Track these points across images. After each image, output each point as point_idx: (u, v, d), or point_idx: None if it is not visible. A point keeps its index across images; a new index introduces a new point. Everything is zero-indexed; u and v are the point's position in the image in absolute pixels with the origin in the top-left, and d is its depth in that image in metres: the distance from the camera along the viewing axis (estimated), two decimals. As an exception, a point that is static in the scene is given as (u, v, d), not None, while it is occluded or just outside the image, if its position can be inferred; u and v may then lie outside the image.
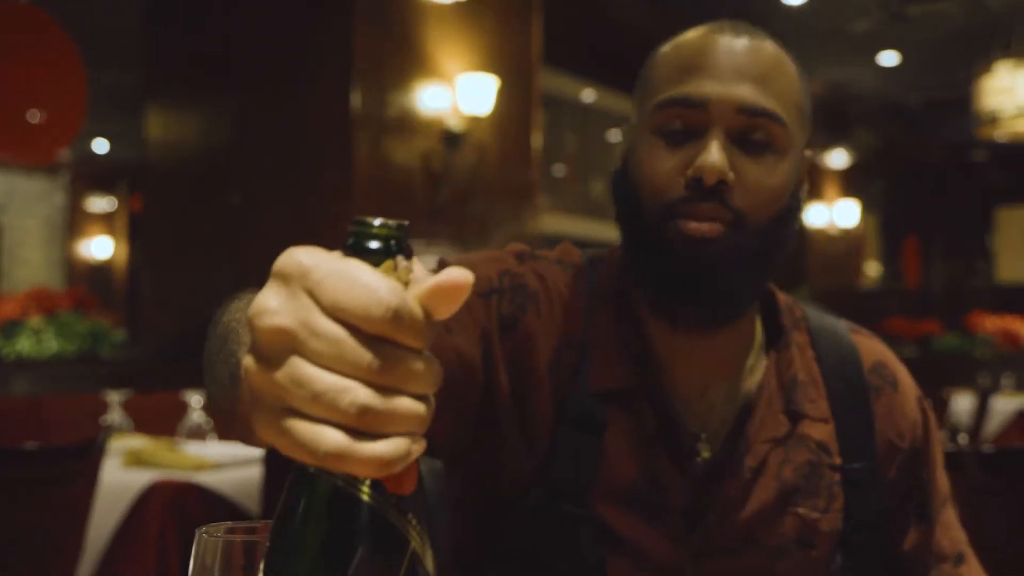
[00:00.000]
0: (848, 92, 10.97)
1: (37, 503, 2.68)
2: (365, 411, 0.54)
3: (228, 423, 0.88)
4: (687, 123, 1.17)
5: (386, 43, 5.37)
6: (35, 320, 5.84)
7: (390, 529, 0.59)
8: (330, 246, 0.61)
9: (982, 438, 8.17)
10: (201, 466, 3.12)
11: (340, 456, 0.54)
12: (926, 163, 13.96)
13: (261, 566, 0.62)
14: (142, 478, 2.99)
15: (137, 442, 3.56)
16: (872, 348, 1.34)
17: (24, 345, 5.72)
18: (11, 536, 2.62)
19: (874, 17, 8.53)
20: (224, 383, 0.84)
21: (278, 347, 0.55)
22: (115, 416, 3.89)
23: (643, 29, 8.44)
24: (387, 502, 0.59)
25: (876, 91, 11.03)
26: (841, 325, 1.36)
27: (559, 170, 8.86)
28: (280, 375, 0.55)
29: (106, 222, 13.28)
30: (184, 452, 3.30)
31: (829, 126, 11.03)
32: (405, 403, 0.55)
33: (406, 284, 0.58)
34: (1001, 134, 8.41)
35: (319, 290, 0.55)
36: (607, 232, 8.97)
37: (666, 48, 1.24)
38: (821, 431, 1.27)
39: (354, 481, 0.58)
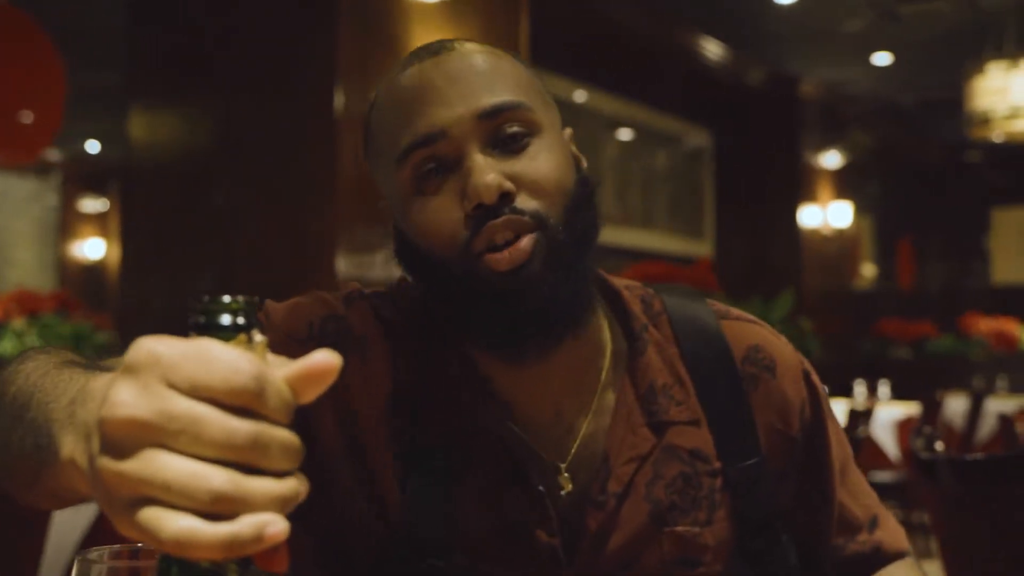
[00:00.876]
0: (841, 93, 10.94)
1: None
2: (219, 498, 0.54)
3: (25, 488, 0.81)
4: (438, 160, 1.09)
5: (370, 43, 5.33)
6: (18, 322, 5.82)
7: None
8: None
9: (975, 441, 8.15)
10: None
11: (180, 543, 0.54)
12: (921, 164, 13.93)
13: None
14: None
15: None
16: (744, 333, 1.24)
17: (6, 347, 5.69)
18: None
19: (866, 17, 8.48)
20: (26, 451, 0.77)
21: (132, 440, 0.55)
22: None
23: (635, 28, 8.40)
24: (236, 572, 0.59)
25: (870, 91, 11.00)
26: (707, 312, 1.24)
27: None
28: (133, 467, 0.55)
29: (99, 223, 13.23)
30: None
31: (823, 127, 10.99)
32: (263, 485, 0.55)
33: (265, 359, 0.58)
34: (994, 134, 8.37)
35: (174, 374, 0.55)
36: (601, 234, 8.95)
37: (380, 102, 1.16)
38: (693, 437, 1.17)
39: (220, 562, 0.58)
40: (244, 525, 0.54)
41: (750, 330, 1.25)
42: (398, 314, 1.18)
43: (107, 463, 0.56)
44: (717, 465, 1.17)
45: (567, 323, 1.11)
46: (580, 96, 8.81)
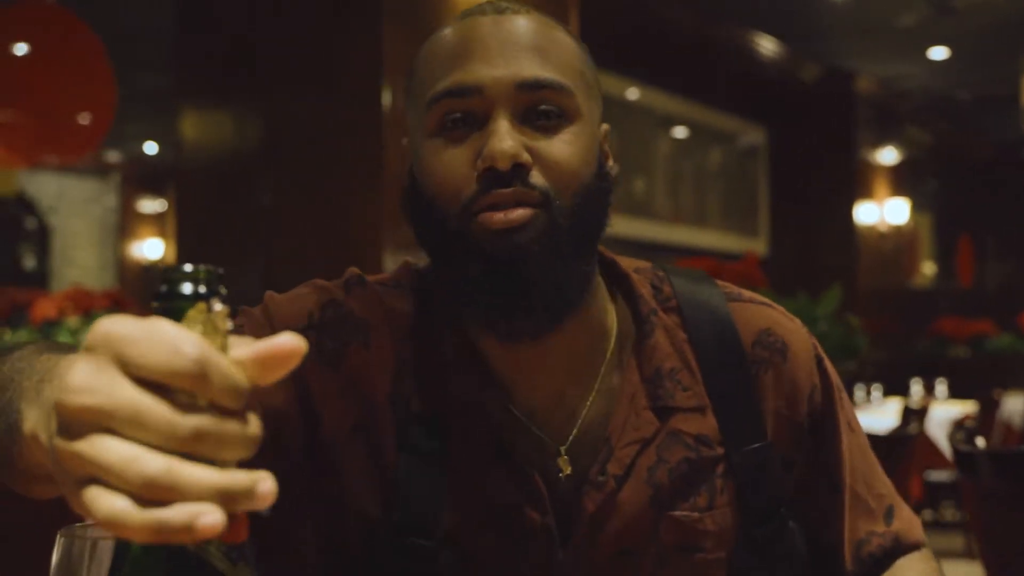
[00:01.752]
0: (897, 88, 10.81)
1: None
2: (150, 483, 0.55)
3: (5, 469, 0.84)
4: (467, 113, 1.08)
5: (416, 41, 5.34)
6: (72, 320, 5.89)
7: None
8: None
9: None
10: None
11: (110, 523, 0.56)
12: (978, 160, 13.71)
13: None
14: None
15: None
16: (754, 316, 1.22)
17: (61, 345, 5.76)
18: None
19: (921, 10, 8.37)
20: (2, 430, 0.80)
21: (82, 424, 0.58)
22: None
23: (688, 25, 8.36)
24: (216, 551, 0.62)
25: (925, 87, 10.85)
26: (717, 295, 1.22)
27: (602, 169, 8.78)
28: (81, 448, 0.57)
29: (157, 223, 13.40)
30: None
31: (878, 123, 10.87)
32: (199, 474, 0.56)
33: (224, 329, 0.60)
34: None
35: (125, 355, 0.57)
36: (651, 231, 8.93)
37: (429, 44, 1.16)
38: (698, 423, 1.15)
39: (201, 543, 0.60)
40: (175, 513, 0.55)
41: (761, 312, 1.23)
42: (399, 299, 1.18)
43: (60, 443, 0.59)
44: (721, 451, 1.16)
45: (559, 307, 1.09)
46: (633, 94, 8.77)
